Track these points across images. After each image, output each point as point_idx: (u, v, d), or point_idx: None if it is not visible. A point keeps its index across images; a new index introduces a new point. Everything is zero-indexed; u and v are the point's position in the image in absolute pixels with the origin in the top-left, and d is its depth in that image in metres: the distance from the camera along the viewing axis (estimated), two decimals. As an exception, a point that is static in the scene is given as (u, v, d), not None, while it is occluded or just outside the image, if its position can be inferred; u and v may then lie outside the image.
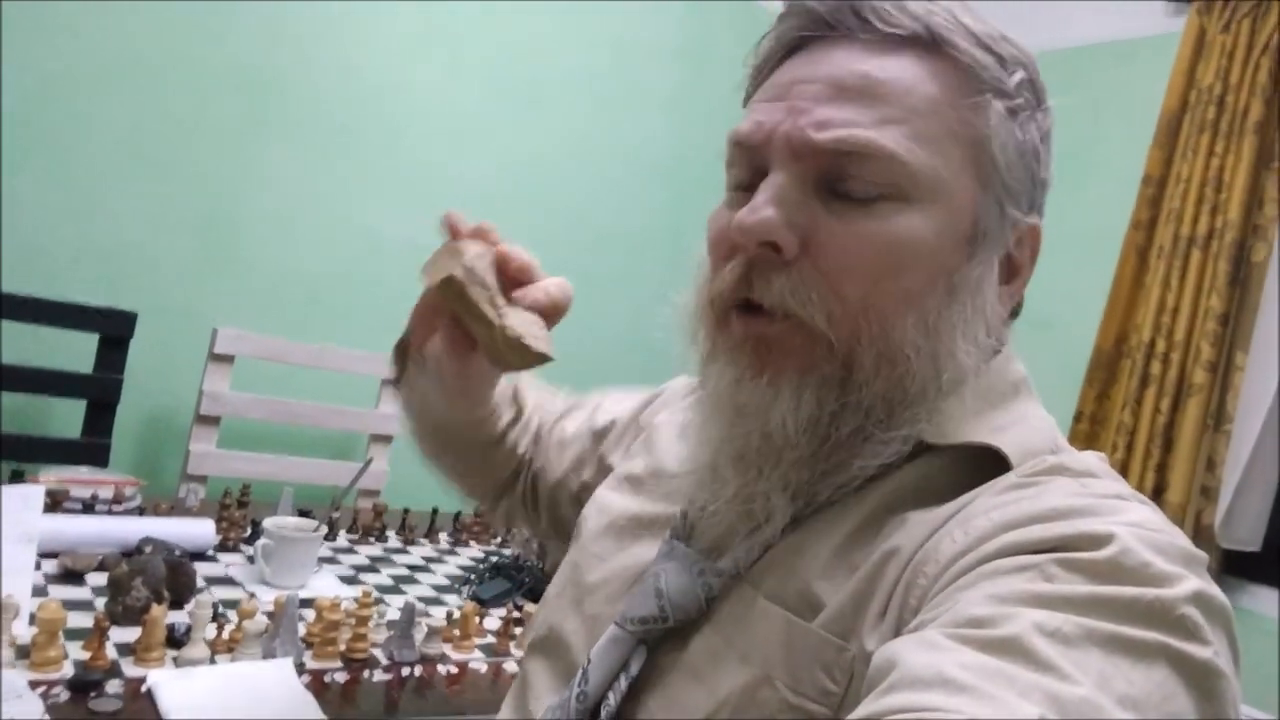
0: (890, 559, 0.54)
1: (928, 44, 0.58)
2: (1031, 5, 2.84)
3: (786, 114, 0.58)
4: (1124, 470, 2.41)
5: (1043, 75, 0.62)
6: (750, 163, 0.61)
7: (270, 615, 1.20)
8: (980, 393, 0.60)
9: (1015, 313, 0.67)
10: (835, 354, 0.57)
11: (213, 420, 2.10)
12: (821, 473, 0.59)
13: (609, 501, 0.77)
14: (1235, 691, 0.45)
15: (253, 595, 1.32)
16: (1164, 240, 2.43)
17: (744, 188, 0.61)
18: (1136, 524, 0.48)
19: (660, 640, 0.62)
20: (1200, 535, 2.30)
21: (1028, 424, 0.61)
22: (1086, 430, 2.56)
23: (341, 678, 1.14)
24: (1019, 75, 0.60)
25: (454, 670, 1.23)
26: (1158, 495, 2.34)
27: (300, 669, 1.13)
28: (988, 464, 0.57)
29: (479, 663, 1.26)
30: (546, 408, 0.99)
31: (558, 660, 0.70)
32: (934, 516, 0.55)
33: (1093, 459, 0.58)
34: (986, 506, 0.53)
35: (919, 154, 0.56)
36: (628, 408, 0.92)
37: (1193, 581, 0.45)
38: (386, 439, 2.34)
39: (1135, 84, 2.65)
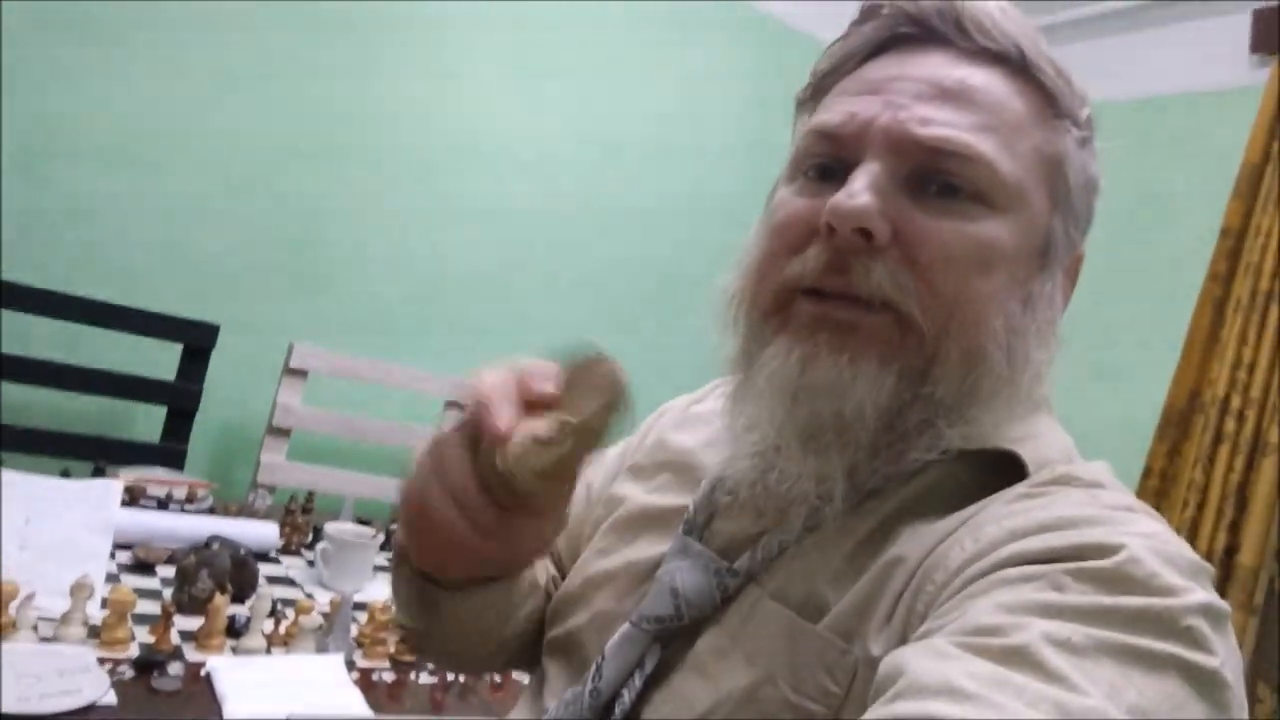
0: (898, 564, 0.54)
1: (1016, 64, 0.60)
2: (1114, 53, 2.83)
3: (884, 107, 0.58)
4: (1194, 529, 2.34)
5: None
6: (835, 153, 0.60)
7: (326, 615, 1.24)
8: (1004, 405, 0.60)
9: None
10: (924, 346, 0.56)
11: (284, 432, 2.18)
12: (881, 461, 0.58)
13: (614, 494, 0.77)
14: (1242, 701, 0.45)
15: (310, 595, 1.37)
16: (1241, 294, 2.38)
17: (824, 178, 0.60)
18: (1145, 535, 0.48)
19: (672, 637, 0.62)
20: (1272, 601, 2.22)
21: (1045, 438, 0.61)
22: (1156, 486, 2.49)
23: (389, 677, 1.18)
24: (1086, 110, 0.62)
25: (498, 679, 1.25)
26: (1229, 556, 2.26)
27: (350, 666, 1.16)
28: (1000, 473, 0.57)
29: (521, 673, 1.28)
30: None
31: (570, 657, 0.70)
32: (943, 524, 0.55)
33: (1101, 470, 0.58)
34: (996, 515, 0.53)
35: (1008, 164, 0.57)
36: (614, 451, 0.86)
37: (1200, 593, 0.45)
38: (448, 459, 2.38)
39: (1216, 135, 2.60)
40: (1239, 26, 2.55)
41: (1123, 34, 2.83)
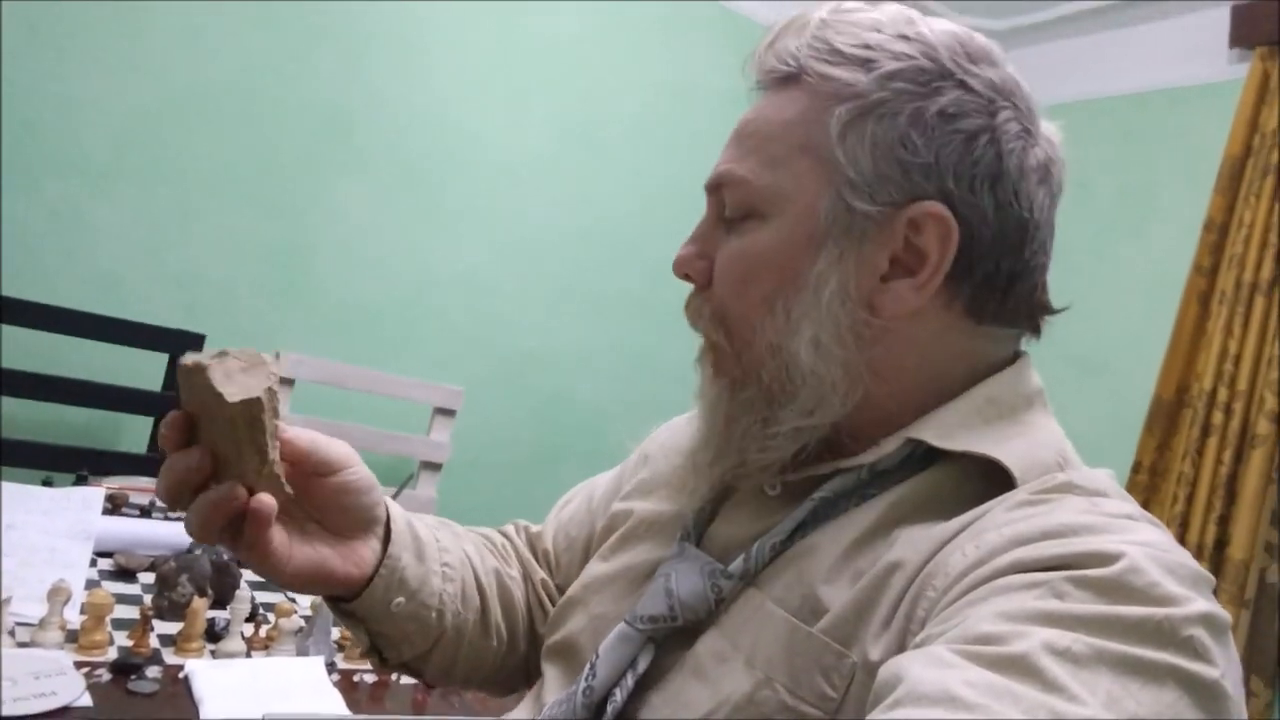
0: (896, 569, 0.54)
1: (796, 77, 0.63)
2: (1095, 51, 2.85)
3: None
4: (1184, 523, 2.34)
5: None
6: None
7: (307, 618, 1.24)
8: (988, 402, 0.61)
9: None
10: (740, 362, 0.64)
11: (271, 441, 2.18)
12: (731, 463, 0.65)
13: (619, 509, 0.80)
14: (1242, 712, 0.45)
15: (293, 599, 1.36)
16: (1226, 286, 2.39)
17: None
18: (1146, 544, 0.48)
19: (667, 639, 0.63)
20: (1264, 594, 2.22)
21: (1032, 436, 0.61)
22: (1146, 481, 2.49)
23: (371, 679, 1.17)
24: (883, 69, 0.60)
25: (480, 679, 1.24)
26: (1219, 550, 2.27)
27: (331, 668, 1.16)
28: (996, 478, 0.57)
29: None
30: (486, 547, 0.87)
31: (568, 660, 0.71)
32: (942, 529, 0.55)
33: (1103, 477, 0.58)
34: (997, 522, 0.53)
35: (764, 175, 0.63)
36: (613, 472, 0.89)
37: (1200, 603, 0.45)
38: (436, 466, 2.39)
39: (1196, 129, 2.62)
40: (1218, 21, 2.58)
41: (1103, 31, 2.84)
